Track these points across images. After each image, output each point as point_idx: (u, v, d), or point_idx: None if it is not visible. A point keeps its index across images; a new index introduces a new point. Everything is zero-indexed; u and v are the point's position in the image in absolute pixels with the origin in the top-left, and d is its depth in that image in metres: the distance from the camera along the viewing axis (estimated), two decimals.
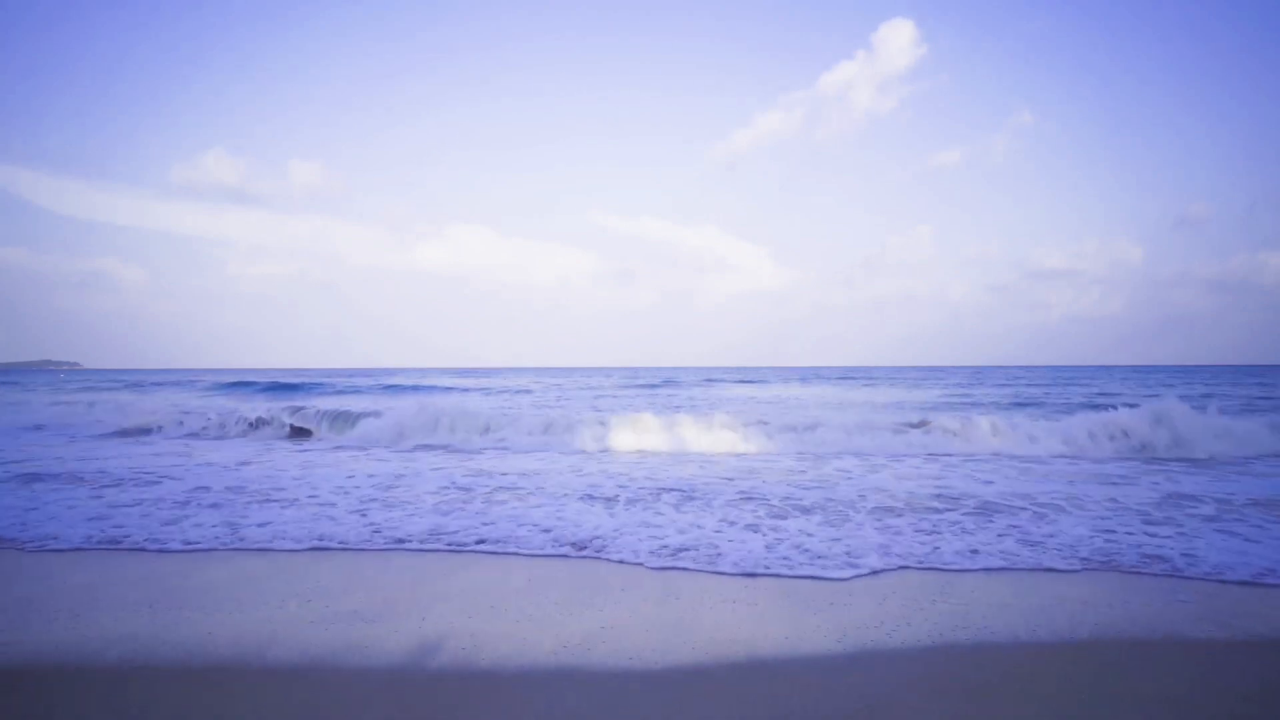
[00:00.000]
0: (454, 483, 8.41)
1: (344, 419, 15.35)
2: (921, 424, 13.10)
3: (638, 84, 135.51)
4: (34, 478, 8.74)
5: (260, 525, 6.12)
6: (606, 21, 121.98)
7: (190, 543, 5.53)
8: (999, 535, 5.70)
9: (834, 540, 5.52)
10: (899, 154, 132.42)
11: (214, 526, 6.04)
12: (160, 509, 6.78)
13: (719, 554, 5.15)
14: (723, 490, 7.86)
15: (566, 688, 3.01)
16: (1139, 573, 4.73)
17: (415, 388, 33.66)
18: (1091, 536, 5.63)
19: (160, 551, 5.32)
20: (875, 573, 4.71)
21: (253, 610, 3.98)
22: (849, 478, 8.82)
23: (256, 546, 5.43)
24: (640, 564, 4.96)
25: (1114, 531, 5.79)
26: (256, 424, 15.42)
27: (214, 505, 6.97)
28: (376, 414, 15.16)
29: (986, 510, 6.68)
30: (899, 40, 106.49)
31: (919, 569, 4.80)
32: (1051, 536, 5.63)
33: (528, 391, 33.00)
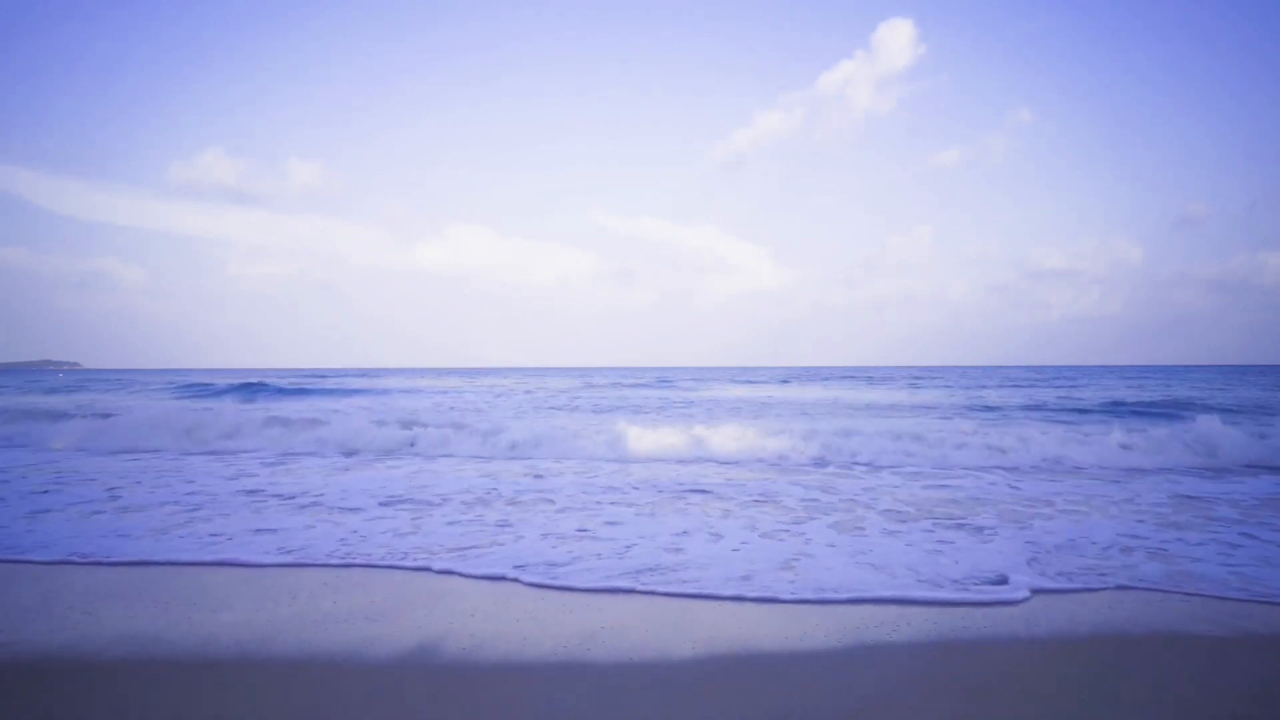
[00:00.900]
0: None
1: None
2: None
3: (638, 84, 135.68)
4: None
5: None
6: (606, 21, 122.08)
7: None
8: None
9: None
10: (899, 154, 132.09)
11: None
12: None
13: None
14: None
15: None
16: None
17: (376, 390, 33.54)
18: None
19: None
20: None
21: None
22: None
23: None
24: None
25: None
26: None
27: None
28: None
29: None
30: (898, 40, 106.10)
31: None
32: None
33: (508, 393, 32.00)
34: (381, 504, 7.14)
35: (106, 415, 14.85)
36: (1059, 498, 7.53)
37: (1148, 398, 23.87)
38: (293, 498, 7.52)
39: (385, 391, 32.96)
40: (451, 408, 21.60)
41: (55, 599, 4.18)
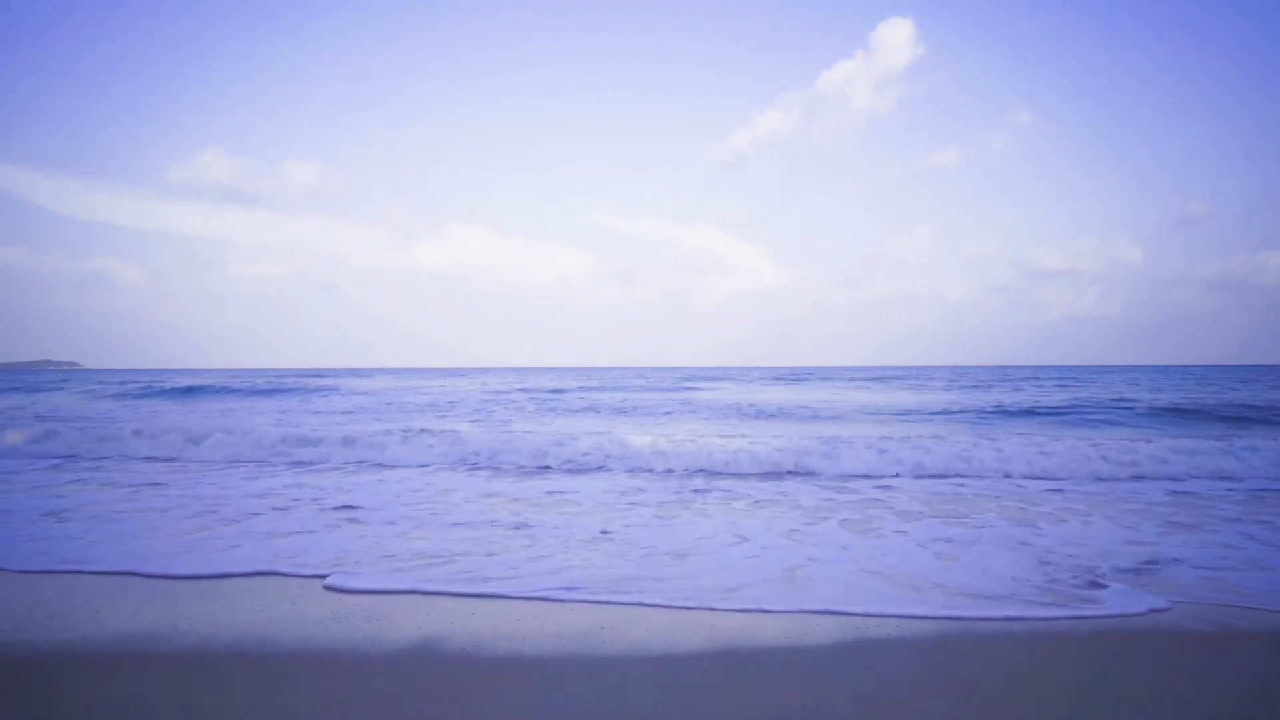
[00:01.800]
0: None
1: None
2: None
3: (638, 84, 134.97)
4: None
5: None
6: (606, 21, 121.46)
7: None
8: None
9: None
10: (898, 153, 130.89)
11: None
12: None
13: None
14: None
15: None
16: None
17: (326, 389, 32.64)
18: None
19: None
20: None
21: None
22: None
23: None
24: None
25: None
26: None
27: None
28: None
29: None
30: (897, 39, 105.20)
31: None
32: None
33: (484, 393, 30.70)
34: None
35: None
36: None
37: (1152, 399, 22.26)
38: None
39: (331, 390, 32.19)
40: (377, 413, 20.47)
41: None
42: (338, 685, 3.01)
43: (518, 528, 6.03)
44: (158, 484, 8.32)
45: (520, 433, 12.71)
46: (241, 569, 4.74)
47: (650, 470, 9.61)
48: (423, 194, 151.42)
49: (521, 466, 9.89)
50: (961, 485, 8.35)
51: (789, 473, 9.32)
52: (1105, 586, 4.38)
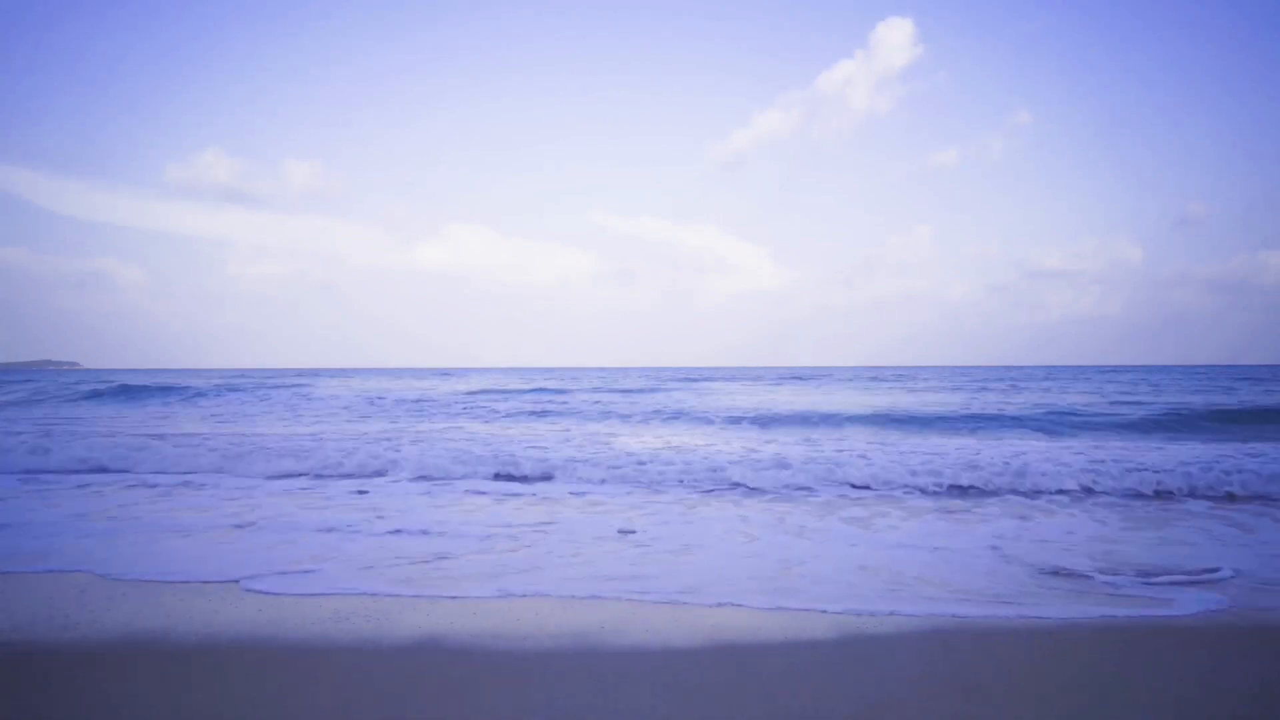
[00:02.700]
0: None
1: None
2: None
3: (638, 84, 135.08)
4: None
5: None
6: (606, 21, 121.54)
7: None
8: None
9: None
10: (898, 153, 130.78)
11: None
12: None
13: None
14: None
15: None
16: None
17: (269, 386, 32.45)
18: None
19: None
20: None
21: None
22: None
23: None
24: None
25: None
26: None
27: None
28: None
29: None
30: (897, 39, 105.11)
31: None
32: None
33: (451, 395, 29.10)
34: None
35: None
36: None
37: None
38: None
39: (295, 387, 32.31)
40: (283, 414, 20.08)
41: None
42: (339, 684, 3.05)
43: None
44: None
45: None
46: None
47: (382, 475, 9.17)
48: (423, 194, 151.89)
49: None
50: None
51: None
52: None
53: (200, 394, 28.80)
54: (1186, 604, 4.17)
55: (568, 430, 15.49)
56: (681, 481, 8.75)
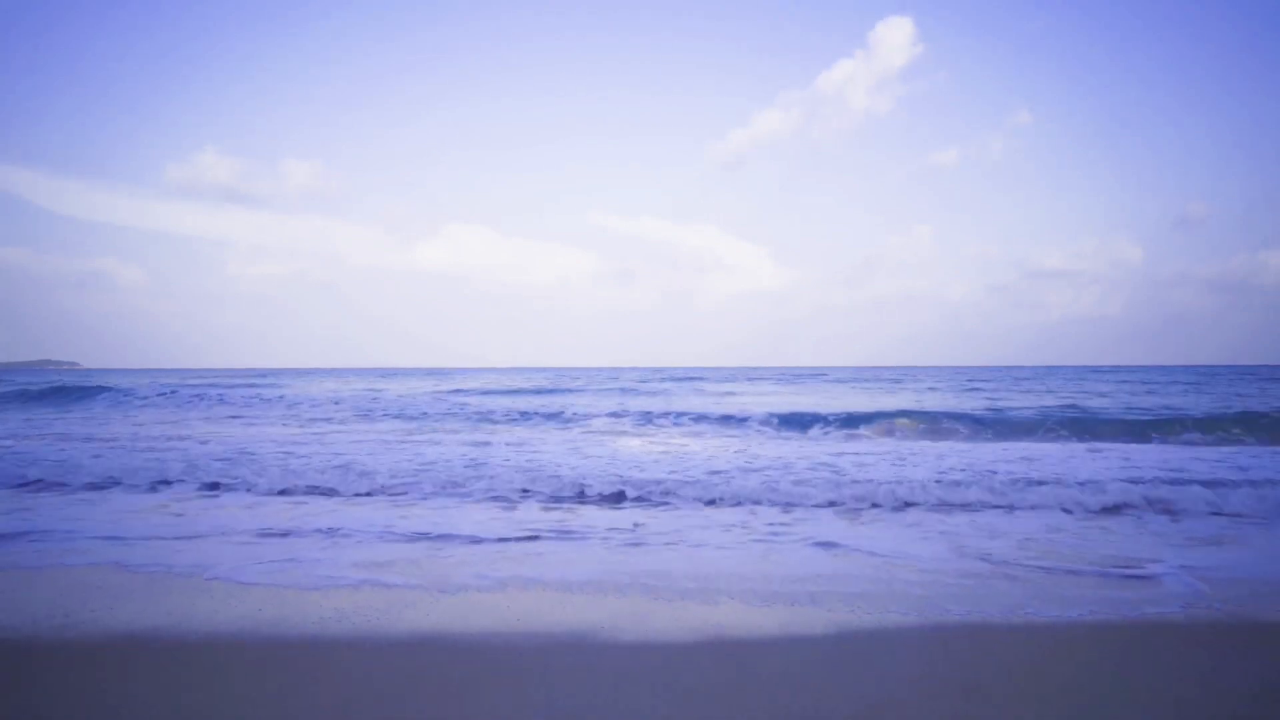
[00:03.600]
0: None
1: None
2: None
3: (637, 84, 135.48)
4: None
5: None
6: (606, 21, 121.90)
7: None
8: None
9: None
10: (898, 153, 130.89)
11: None
12: None
13: None
14: None
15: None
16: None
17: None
18: None
19: None
20: None
21: None
22: None
23: None
24: None
25: None
26: None
27: None
28: None
29: None
30: (897, 38, 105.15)
31: None
32: None
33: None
34: None
35: None
36: None
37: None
38: None
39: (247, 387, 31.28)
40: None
41: None
42: (339, 681, 3.02)
43: None
44: None
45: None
46: None
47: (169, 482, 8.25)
48: (423, 194, 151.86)
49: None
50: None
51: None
52: None
53: (133, 395, 27.14)
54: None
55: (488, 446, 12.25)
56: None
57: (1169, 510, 6.69)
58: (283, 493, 7.83)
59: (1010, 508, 6.89)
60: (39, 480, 8.42)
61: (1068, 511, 6.72)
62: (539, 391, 31.01)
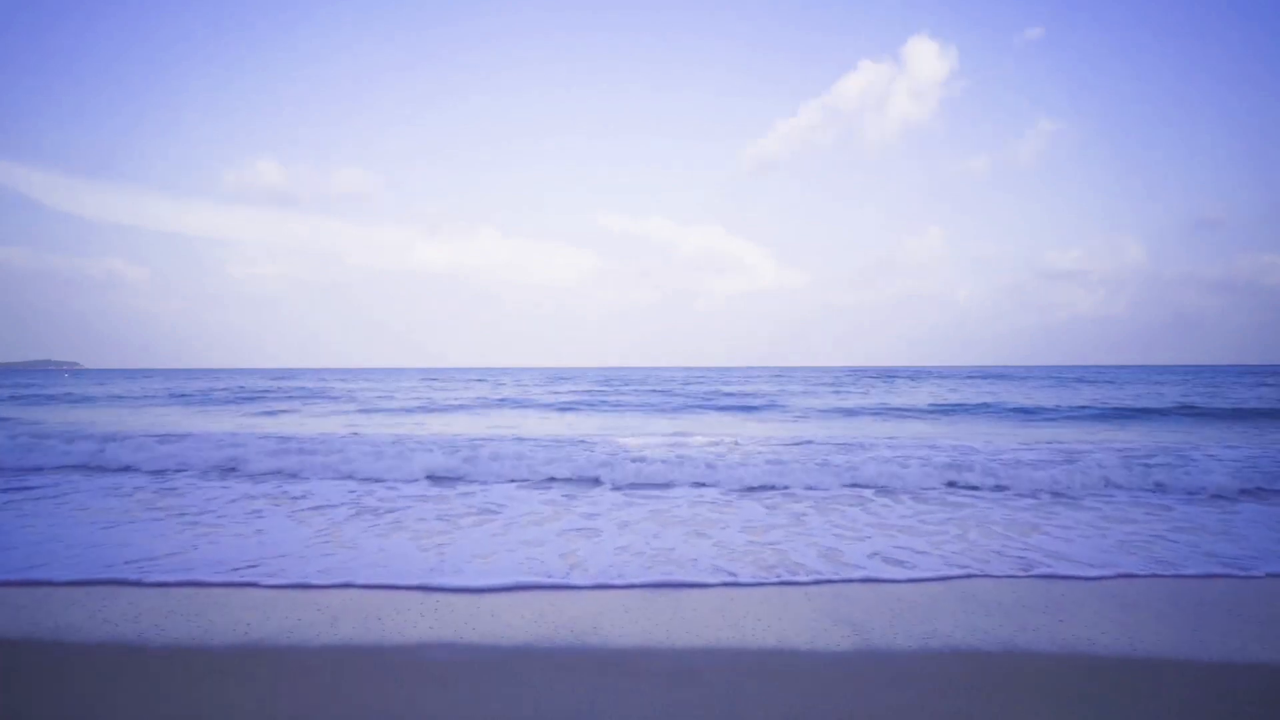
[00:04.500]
0: None
1: None
2: None
3: (658, 88, 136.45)
4: None
5: None
6: (632, 20, 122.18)
7: None
8: None
9: None
10: (917, 159, 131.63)
11: None
12: None
13: None
14: None
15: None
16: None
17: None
18: None
19: None
20: None
21: None
22: None
23: None
24: None
25: None
26: None
27: None
28: None
29: None
30: (920, 51, 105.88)
31: None
32: None
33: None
34: None
35: None
36: None
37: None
38: None
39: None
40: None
41: None
42: (338, 681, 2.99)
43: None
44: None
45: None
46: None
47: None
48: (423, 194, 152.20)
49: None
50: None
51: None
52: None
53: None
54: None
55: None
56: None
57: None
58: None
59: None
60: None
61: None
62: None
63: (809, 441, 12.17)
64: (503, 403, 24.94)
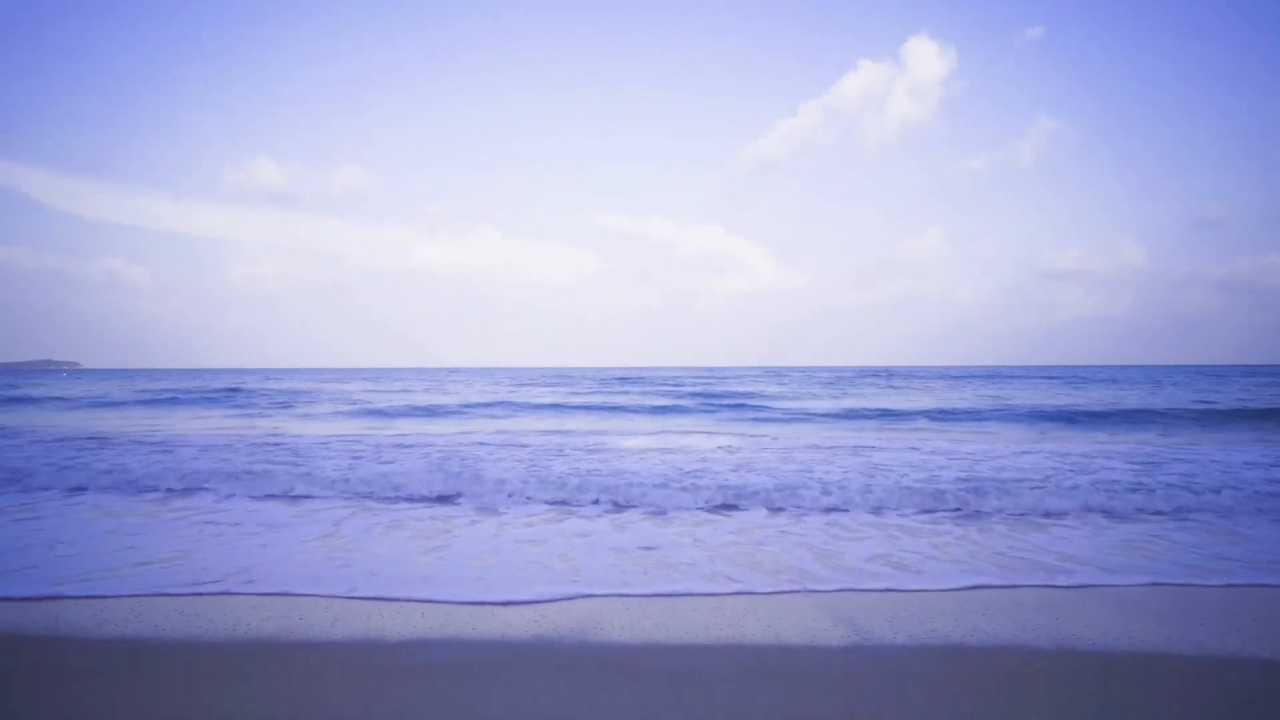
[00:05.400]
0: None
1: None
2: None
3: (659, 88, 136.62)
4: None
5: None
6: (637, 20, 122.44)
7: None
8: None
9: None
10: (916, 160, 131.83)
11: None
12: None
13: None
14: None
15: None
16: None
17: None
18: None
19: None
20: None
21: None
22: None
23: None
24: None
25: None
26: None
27: None
28: None
29: None
30: (919, 51, 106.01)
31: None
32: None
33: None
34: None
35: None
36: None
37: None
38: None
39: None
40: None
41: None
42: (336, 685, 2.99)
43: None
44: None
45: None
46: None
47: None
48: (424, 195, 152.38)
49: None
50: None
51: None
52: None
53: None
54: None
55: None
56: None
57: None
58: None
59: None
60: None
61: None
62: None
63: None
64: (499, 404, 24.89)
